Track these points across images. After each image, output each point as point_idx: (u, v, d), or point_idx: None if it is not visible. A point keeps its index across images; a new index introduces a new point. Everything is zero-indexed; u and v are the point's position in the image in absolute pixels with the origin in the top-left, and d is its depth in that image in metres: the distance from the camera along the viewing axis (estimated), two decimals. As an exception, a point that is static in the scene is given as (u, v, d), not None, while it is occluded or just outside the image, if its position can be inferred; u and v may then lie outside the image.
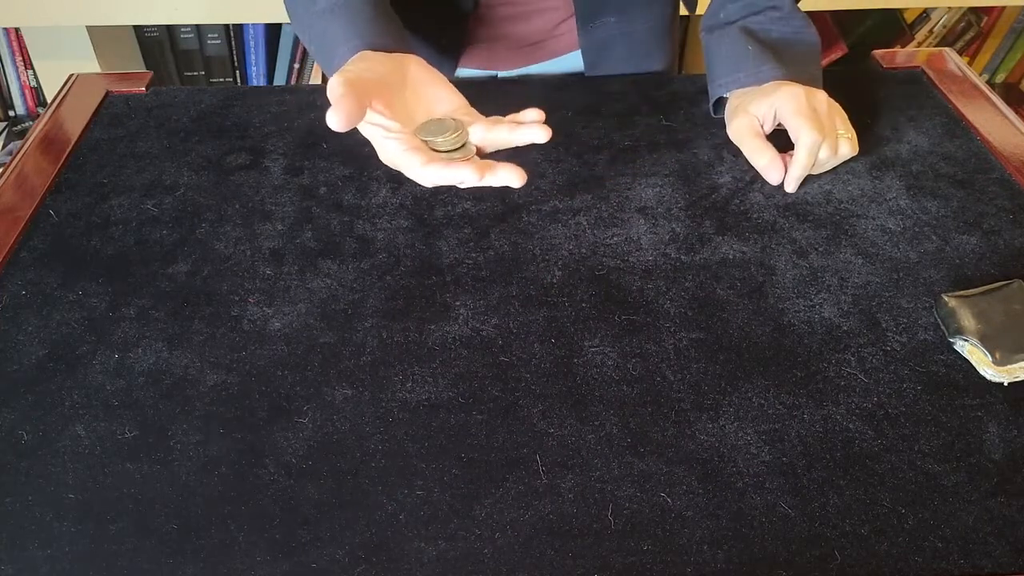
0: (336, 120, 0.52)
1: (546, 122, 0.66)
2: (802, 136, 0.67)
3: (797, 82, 0.70)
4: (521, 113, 0.61)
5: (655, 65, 0.90)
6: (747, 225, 0.68)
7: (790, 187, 0.70)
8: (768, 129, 0.71)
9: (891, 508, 0.49)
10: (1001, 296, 0.58)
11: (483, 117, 0.60)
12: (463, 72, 0.93)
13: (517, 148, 0.62)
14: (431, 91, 0.61)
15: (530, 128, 0.59)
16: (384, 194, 0.70)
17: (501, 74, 0.93)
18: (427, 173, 0.56)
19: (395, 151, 0.58)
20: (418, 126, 0.59)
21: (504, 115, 0.61)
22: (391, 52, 0.61)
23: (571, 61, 0.91)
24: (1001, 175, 0.73)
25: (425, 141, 0.58)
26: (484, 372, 0.56)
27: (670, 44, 0.91)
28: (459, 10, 0.84)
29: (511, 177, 0.56)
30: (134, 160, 0.75)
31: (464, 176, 0.56)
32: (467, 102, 0.62)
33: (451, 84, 0.62)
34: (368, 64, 0.59)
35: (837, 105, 0.71)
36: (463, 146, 0.58)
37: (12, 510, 0.49)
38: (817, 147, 0.67)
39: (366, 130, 0.59)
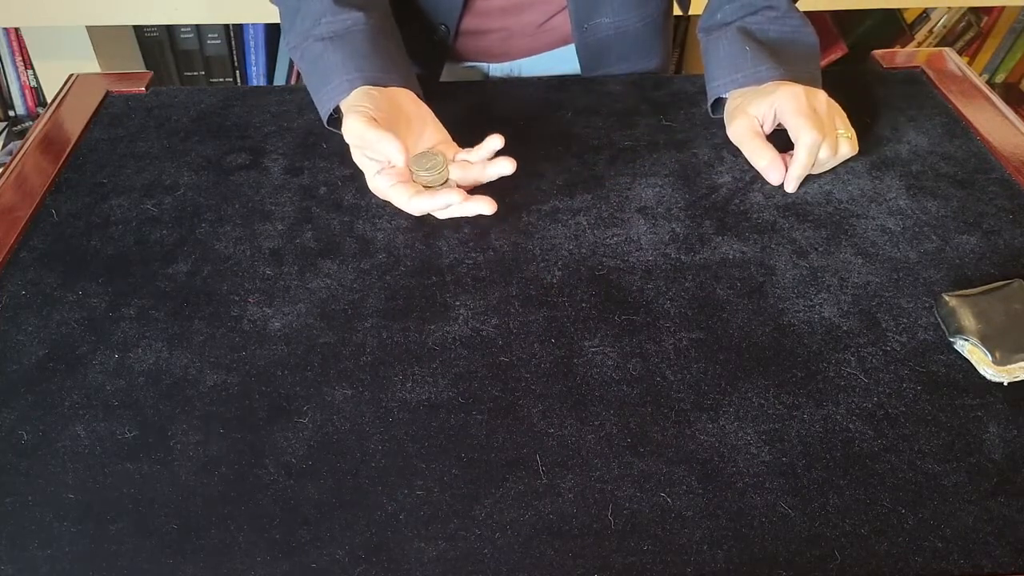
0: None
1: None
2: (802, 136, 0.67)
3: (796, 82, 0.70)
4: (486, 141, 0.67)
5: (651, 62, 0.90)
6: (747, 225, 0.68)
7: (790, 187, 0.70)
8: (768, 129, 0.71)
9: (891, 508, 0.49)
10: (1001, 296, 0.58)
11: (460, 148, 0.68)
12: (454, 66, 0.93)
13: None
14: (420, 126, 0.69)
15: (497, 164, 0.66)
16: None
17: (492, 67, 0.93)
18: (415, 204, 0.64)
19: (385, 185, 0.65)
20: (411, 157, 0.66)
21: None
22: (386, 87, 0.68)
23: (562, 55, 0.91)
24: (1001, 175, 0.73)
25: (412, 171, 0.66)
26: (484, 372, 0.56)
27: (665, 41, 0.91)
28: (450, 4, 0.84)
29: (484, 206, 0.64)
30: (134, 160, 0.75)
31: (449, 199, 0.63)
32: (449, 136, 0.70)
33: (436, 119, 0.70)
34: (375, 104, 0.65)
35: (837, 105, 0.71)
36: (445, 181, 0.67)
37: (12, 510, 0.49)
38: (817, 147, 0.67)
39: (361, 162, 0.65)
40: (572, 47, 0.88)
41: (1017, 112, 0.81)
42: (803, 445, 0.52)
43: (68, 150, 0.76)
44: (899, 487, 0.50)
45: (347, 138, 0.64)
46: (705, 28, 0.78)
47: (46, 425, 0.53)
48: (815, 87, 0.70)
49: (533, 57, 0.92)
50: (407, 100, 0.69)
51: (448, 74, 0.92)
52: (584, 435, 0.52)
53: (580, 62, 0.88)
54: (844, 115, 0.71)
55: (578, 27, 0.85)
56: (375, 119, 0.63)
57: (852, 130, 0.70)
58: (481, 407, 0.54)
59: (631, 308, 0.61)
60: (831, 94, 0.71)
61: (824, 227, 0.67)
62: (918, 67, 0.87)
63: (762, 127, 0.70)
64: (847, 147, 0.69)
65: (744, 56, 0.72)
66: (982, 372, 0.56)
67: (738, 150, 0.72)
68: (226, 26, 1.64)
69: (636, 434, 0.52)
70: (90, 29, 1.51)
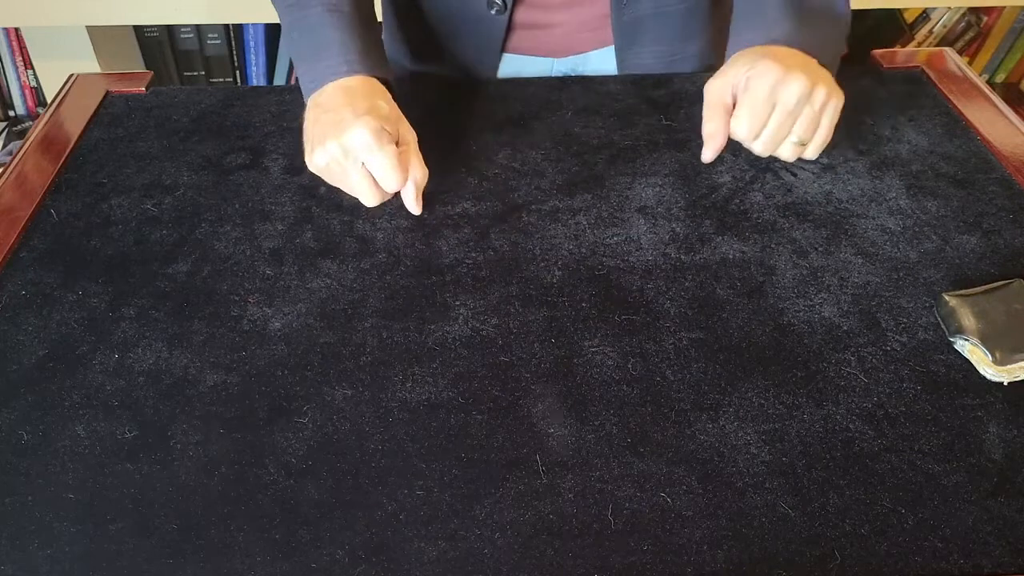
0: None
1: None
2: (733, 126, 0.64)
3: (803, 51, 0.64)
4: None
5: (691, 48, 0.87)
6: (747, 225, 0.68)
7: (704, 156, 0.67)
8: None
9: (891, 508, 0.49)
10: (1002, 295, 0.58)
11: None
12: (512, 58, 0.89)
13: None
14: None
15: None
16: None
17: (556, 63, 0.90)
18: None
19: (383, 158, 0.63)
20: None
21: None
22: (376, 76, 0.67)
23: None
24: (1001, 175, 0.73)
25: None
26: (484, 372, 0.56)
27: (711, 28, 0.87)
28: None
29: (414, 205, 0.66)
30: (134, 160, 0.75)
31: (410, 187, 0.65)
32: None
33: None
34: (383, 99, 0.65)
35: (827, 102, 0.63)
36: None
37: (12, 510, 0.49)
38: (742, 139, 0.64)
39: (368, 143, 0.63)
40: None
41: (1017, 112, 0.80)
42: (803, 445, 0.52)
43: (68, 150, 0.76)
44: (899, 487, 0.50)
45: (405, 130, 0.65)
46: None
47: (46, 425, 0.53)
48: (828, 63, 0.65)
49: (600, 51, 0.88)
50: (388, 94, 0.68)
51: (508, 68, 0.89)
52: (584, 435, 0.52)
53: (616, 44, 0.85)
54: (823, 116, 0.63)
55: (617, 5, 0.82)
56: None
57: (819, 137, 0.64)
58: (481, 407, 0.54)
59: (631, 308, 0.61)
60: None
61: (824, 227, 0.67)
62: (918, 67, 0.87)
63: (735, 95, 0.65)
64: (789, 153, 0.64)
65: (764, 14, 0.68)
66: (982, 372, 0.56)
67: (738, 149, 0.72)
68: (226, 26, 1.64)
69: (636, 434, 0.52)
70: (90, 29, 1.51)
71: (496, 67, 0.88)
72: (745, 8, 0.71)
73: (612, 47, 0.88)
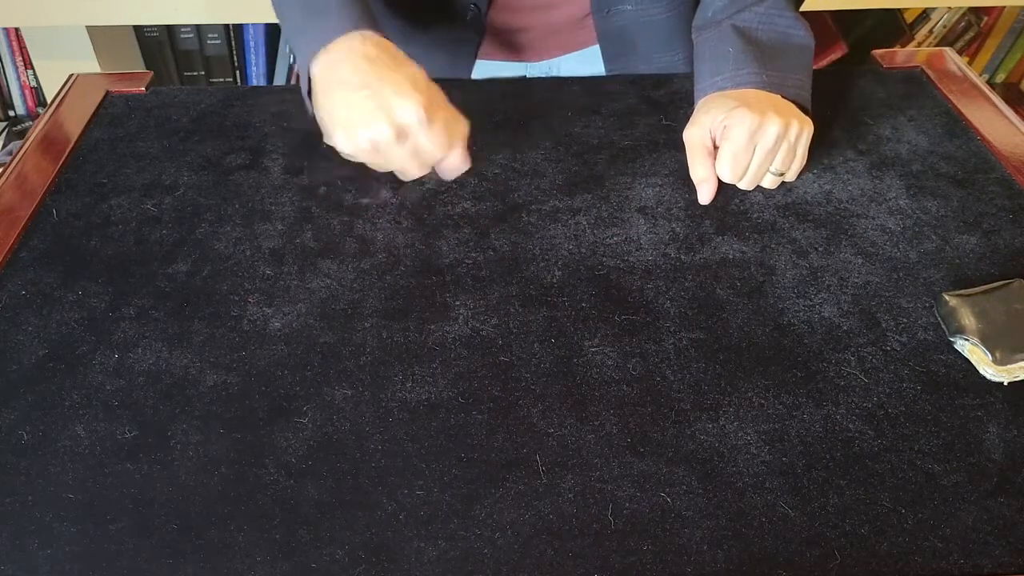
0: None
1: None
2: (718, 170, 0.68)
3: (776, 92, 0.68)
4: None
5: (677, 56, 0.87)
6: (747, 225, 0.68)
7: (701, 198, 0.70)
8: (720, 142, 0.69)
9: (891, 508, 0.49)
10: (1002, 295, 0.58)
11: None
12: (485, 63, 0.89)
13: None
14: None
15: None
16: (384, 194, 0.70)
17: (529, 67, 0.90)
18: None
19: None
20: None
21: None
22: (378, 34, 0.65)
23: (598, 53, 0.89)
24: (1001, 175, 0.73)
25: None
26: (484, 372, 0.56)
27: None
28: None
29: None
30: (134, 160, 0.75)
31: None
32: None
33: None
34: (408, 63, 0.63)
35: (798, 135, 0.66)
36: None
37: (12, 510, 0.49)
38: (728, 181, 0.68)
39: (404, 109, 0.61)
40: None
41: (1017, 112, 0.80)
42: (803, 445, 0.52)
43: (68, 150, 0.76)
44: (899, 487, 0.50)
45: (428, 99, 0.61)
46: (697, 27, 0.76)
47: (46, 425, 0.53)
48: (799, 99, 0.68)
49: (573, 54, 0.89)
50: None
51: (483, 73, 0.89)
52: (584, 435, 0.52)
53: (602, 53, 0.85)
54: (802, 146, 0.67)
55: (599, 14, 0.82)
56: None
57: (795, 165, 0.68)
58: (481, 407, 0.54)
59: (631, 308, 0.61)
60: (830, 95, 0.70)
61: (824, 227, 0.67)
62: (918, 67, 0.87)
63: (714, 139, 0.68)
64: (771, 183, 0.69)
65: (727, 58, 0.70)
66: (982, 372, 0.56)
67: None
68: (226, 26, 1.64)
69: (636, 434, 0.52)
70: (90, 29, 1.51)
71: (469, 70, 0.88)
72: (706, 51, 0.74)
73: (584, 51, 0.88)
